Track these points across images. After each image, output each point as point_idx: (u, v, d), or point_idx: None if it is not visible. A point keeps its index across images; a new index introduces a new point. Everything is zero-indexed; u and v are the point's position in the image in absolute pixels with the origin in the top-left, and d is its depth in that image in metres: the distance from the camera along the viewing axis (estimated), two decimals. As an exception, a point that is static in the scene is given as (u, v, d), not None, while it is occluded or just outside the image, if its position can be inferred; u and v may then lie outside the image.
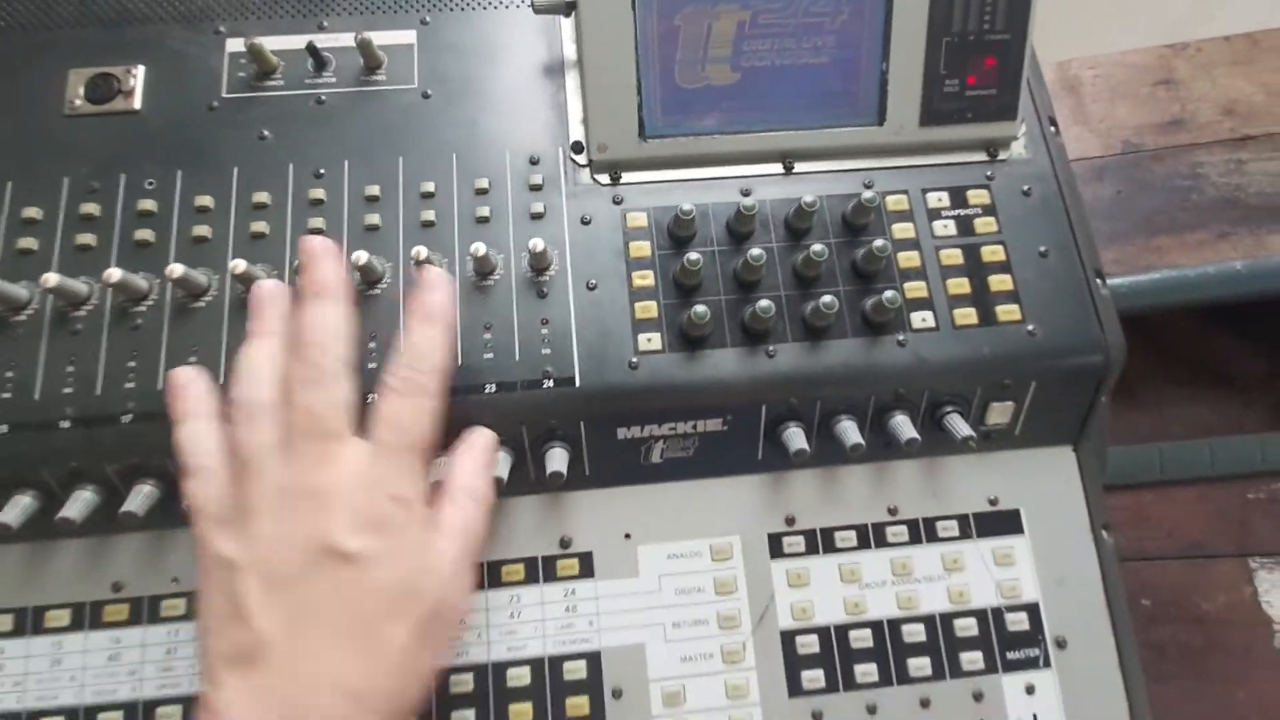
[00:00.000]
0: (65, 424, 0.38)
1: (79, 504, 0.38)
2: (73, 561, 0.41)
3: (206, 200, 0.41)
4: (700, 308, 0.38)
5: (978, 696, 0.41)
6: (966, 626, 0.42)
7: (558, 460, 0.39)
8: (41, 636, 0.40)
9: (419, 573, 0.34)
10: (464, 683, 0.40)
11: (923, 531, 0.43)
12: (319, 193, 0.42)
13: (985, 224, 0.43)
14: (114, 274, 0.38)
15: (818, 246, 0.39)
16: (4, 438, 0.38)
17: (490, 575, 0.42)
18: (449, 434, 0.38)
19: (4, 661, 0.40)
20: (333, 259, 0.37)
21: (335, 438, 0.34)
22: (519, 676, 0.41)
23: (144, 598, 0.41)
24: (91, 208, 0.41)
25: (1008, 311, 0.42)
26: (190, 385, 0.37)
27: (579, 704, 0.40)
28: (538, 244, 0.39)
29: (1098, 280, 0.43)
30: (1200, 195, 0.63)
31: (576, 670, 0.41)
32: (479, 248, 0.39)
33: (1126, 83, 0.64)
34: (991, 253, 0.43)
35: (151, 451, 0.38)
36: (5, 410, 0.38)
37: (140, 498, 0.38)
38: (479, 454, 0.38)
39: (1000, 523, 0.44)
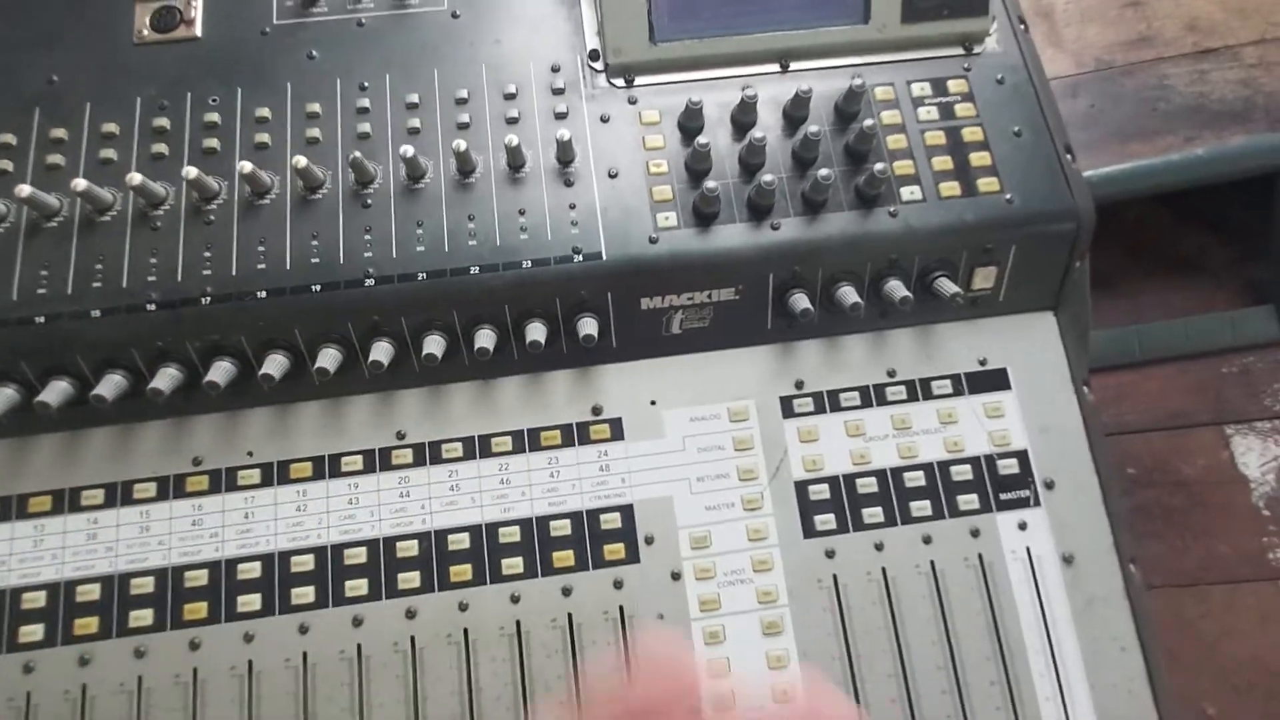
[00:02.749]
0: (151, 307, 0.43)
1: (166, 379, 0.43)
2: (157, 440, 0.46)
3: (265, 112, 0.46)
4: (711, 184, 0.43)
5: (975, 533, 0.46)
6: (962, 472, 0.47)
7: (589, 326, 0.44)
8: (130, 507, 0.45)
9: None
10: (511, 534, 0.45)
11: (919, 390, 0.48)
12: (364, 102, 0.47)
13: (964, 109, 0.48)
14: (191, 171, 0.43)
15: (814, 127, 0.44)
16: (97, 321, 0.42)
17: (530, 441, 0.46)
18: (492, 306, 0.43)
19: (97, 530, 0.45)
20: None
21: None
22: (560, 528, 0.45)
23: (221, 469, 0.45)
24: (163, 122, 0.46)
25: (988, 183, 0.46)
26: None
27: (615, 550, 0.45)
28: (565, 133, 0.44)
29: (1067, 155, 0.47)
30: (1167, 104, 0.67)
31: (612, 521, 0.45)
32: (512, 139, 0.44)
33: (1096, 6, 0.69)
34: (971, 133, 0.47)
35: (228, 329, 0.43)
36: (97, 297, 0.43)
37: (220, 371, 0.43)
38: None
39: (989, 380, 0.48)
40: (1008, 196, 0.46)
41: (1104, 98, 0.67)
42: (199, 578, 0.44)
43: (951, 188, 0.46)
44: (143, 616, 0.43)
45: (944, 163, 0.46)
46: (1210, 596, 0.55)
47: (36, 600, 0.43)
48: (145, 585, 0.43)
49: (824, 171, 0.43)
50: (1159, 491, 0.58)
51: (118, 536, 0.45)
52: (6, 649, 0.42)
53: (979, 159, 0.47)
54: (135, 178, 0.43)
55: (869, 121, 0.44)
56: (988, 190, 0.46)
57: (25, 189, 0.42)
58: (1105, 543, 0.46)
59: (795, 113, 0.46)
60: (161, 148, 0.45)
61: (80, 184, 0.42)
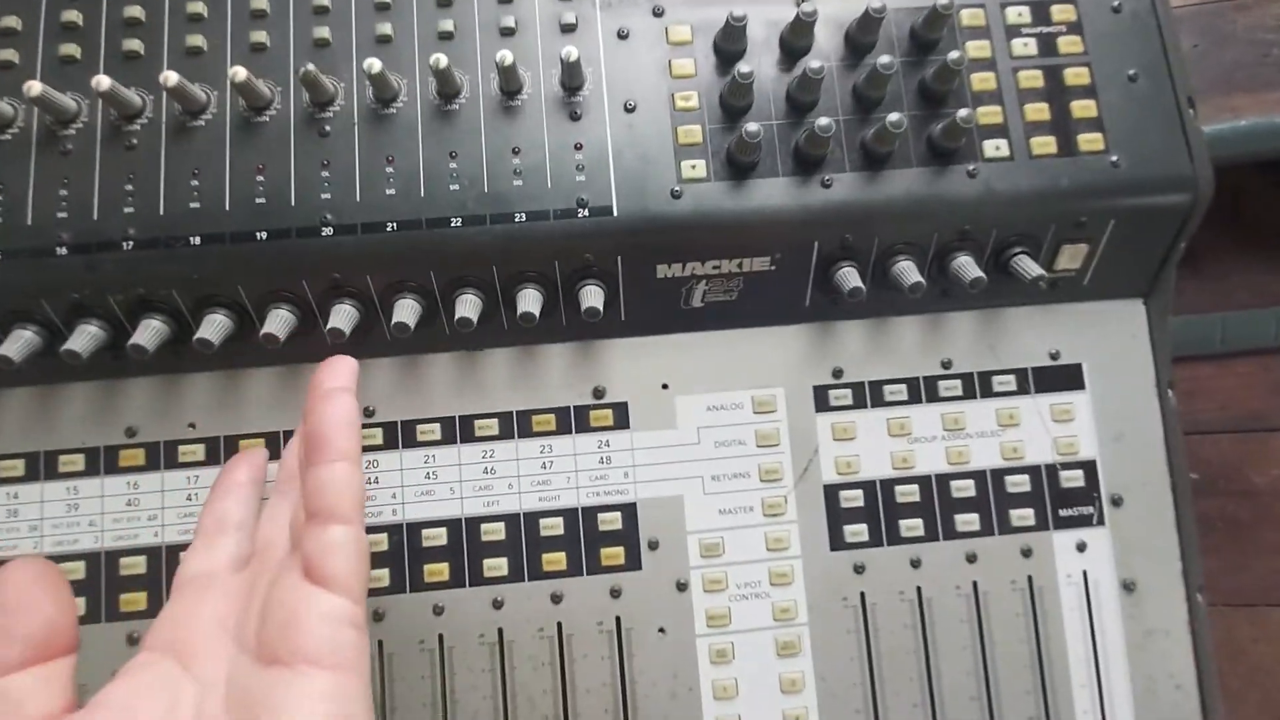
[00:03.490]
0: (62, 250, 0.35)
1: (83, 338, 0.36)
2: (83, 405, 0.39)
3: (198, 7, 0.37)
4: (752, 126, 0.34)
5: (1026, 553, 0.40)
6: (1018, 483, 0.40)
7: (593, 297, 0.36)
8: (56, 481, 0.39)
9: None
10: (495, 531, 0.39)
11: (977, 386, 0.41)
12: (322, 0, 0.37)
13: (1069, 43, 0.38)
14: (104, 81, 0.34)
15: (885, 59, 0.35)
16: (-4, 265, 0.35)
17: (520, 425, 0.40)
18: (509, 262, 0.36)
19: (18, 506, 0.39)
20: (347, 400, 0.29)
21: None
22: (552, 526, 0.39)
23: (160, 443, 0.39)
24: (73, 16, 0.37)
25: (1090, 140, 0.37)
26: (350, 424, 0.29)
27: (614, 554, 0.39)
28: (571, 52, 0.35)
29: (1190, 110, 0.39)
30: (1286, 49, 0.57)
31: (612, 521, 0.39)
32: (506, 55, 0.35)
33: (1215, -79, 0.57)
34: (1075, 75, 0.38)
35: (155, 282, 0.36)
36: (-5, 235, 0.35)
37: (149, 332, 0.36)
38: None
39: (1060, 378, 0.41)
40: (1113, 158, 0.37)
41: (1211, 37, 0.57)
42: (136, 564, 0.38)
43: (1046, 144, 0.37)
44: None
45: (1039, 111, 0.38)
46: (1269, 619, 0.50)
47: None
48: (76, 571, 0.38)
49: (894, 117, 0.35)
50: (1224, 501, 0.52)
51: (42, 514, 0.39)
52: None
53: (1082, 109, 0.38)
54: (35, 87, 0.34)
55: (954, 54, 0.35)
56: (1089, 149, 0.37)
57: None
58: (1173, 570, 0.40)
59: (862, 38, 0.37)
60: (72, 49, 0.36)
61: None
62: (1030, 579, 0.40)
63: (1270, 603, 0.51)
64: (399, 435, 0.40)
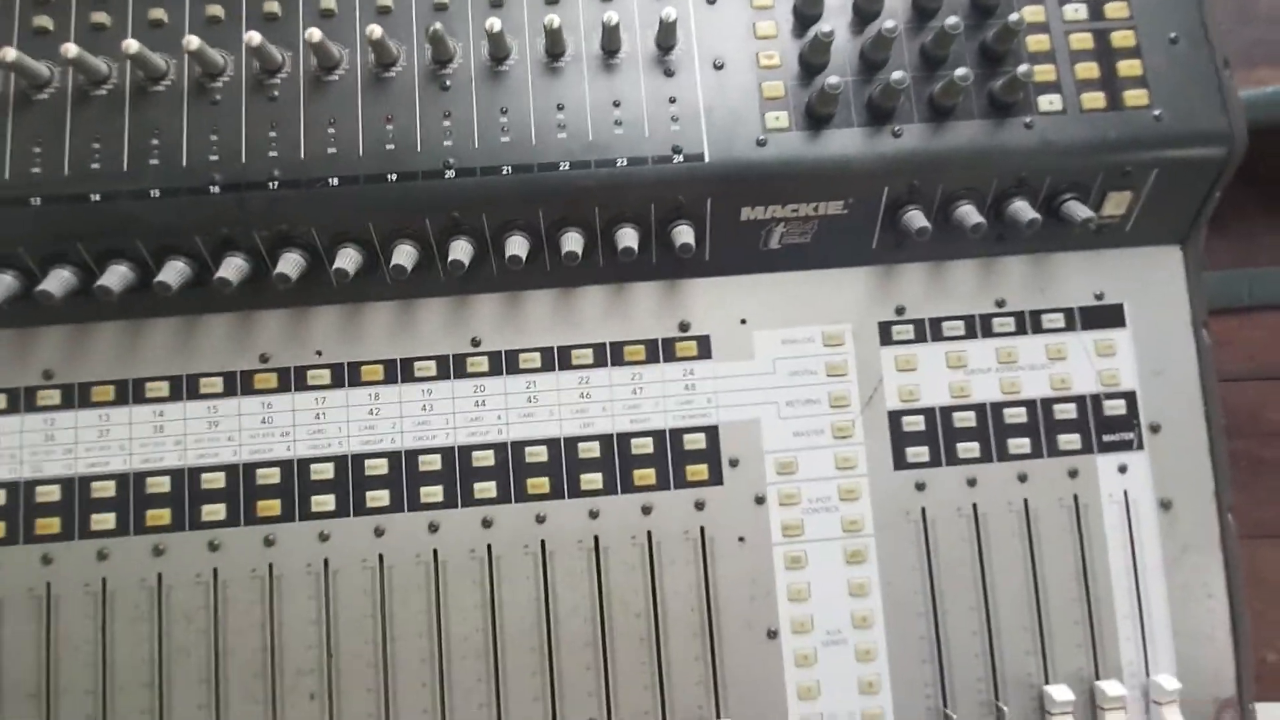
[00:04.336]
0: (214, 189, 0.39)
1: (232, 269, 0.40)
2: (222, 334, 0.44)
3: (332, -26, 0.41)
4: (833, 79, 0.38)
5: (1073, 473, 0.44)
6: (1066, 411, 0.44)
7: (685, 234, 0.40)
8: (197, 401, 0.43)
9: None
10: (591, 449, 0.43)
11: (1028, 323, 0.45)
12: (444, -33, 0.41)
13: (1116, 8, 0.42)
14: (254, 38, 0.38)
15: (951, 20, 0.39)
16: (155, 203, 0.39)
17: (613, 355, 0.44)
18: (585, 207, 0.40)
19: (164, 423, 0.43)
20: None
21: None
22: (642, 445, 0.43)
23: (290, 368, 0.43)
24: (218, -20, 0.41)
25: (1135, 96, 0.41)
26: None
27: (698, 471, 0.43)
28: (670, 12, 0.39)
29: (1226, 71, 0.42)
30: (1311, 23, 0.60)
31: (696, 441, 0.44)
32: (611, 16, 0.39)
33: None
34: (1122, 38, 0.42)
35: (296, 219, 0.40)
36: (156, 176, 0.39)
37: (290, 264, 0.40)
38: None
39: (1104, 316, 0.45)
40: (1156, 113, 0.41)
41: (1233, 14, 0.60)
42: (271, 475, 0.43)
43: (1095, 99, 0.41)
44: (215, 511, 0.42)
45: (1089, 70, 0.41)
46: (1290, 549, 0.54)
47: (106, 490, 0.42)
48: (216, 480, 0.42)
49: (961, 71, 0.39)
50: (1250, 442, 0.56)
51: (185, 430, 0.43)
52: (79, 535, 0.42)
53: (1128, 68, 0.42)
54: (193, 41, 0.38)
55: (1014, 16, 0.39)
56: (1135, 104, 0.41)
57: (72, 48, 0.38)
58: (1206, 491, 0.44)
59: (928, 2, 0.41)
60: (217, 10, 0.41)
61: (132, 45, 0.38)
62: (1076, 497, 0.44)
63: (1291, 534, 0.55)
64: (503, 363, 0.44)
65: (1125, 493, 0.44)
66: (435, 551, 0.42)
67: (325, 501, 0.42)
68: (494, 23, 0.39)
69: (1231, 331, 0.57)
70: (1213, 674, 0.43)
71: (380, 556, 0.42)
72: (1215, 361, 0.44)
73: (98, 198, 0.39)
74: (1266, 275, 0.57)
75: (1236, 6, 0.64)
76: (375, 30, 0.39)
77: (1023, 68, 0.39)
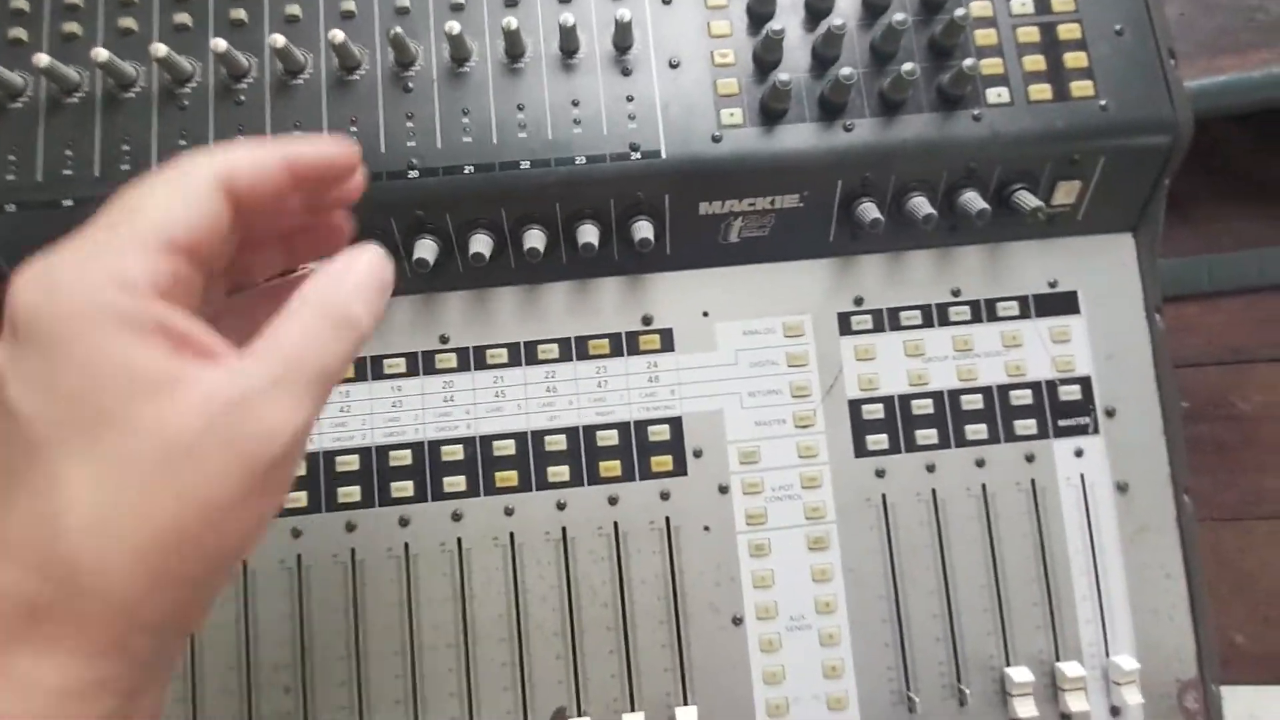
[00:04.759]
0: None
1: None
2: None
3: (295, -19, 0.42)
4: (784, 76, 0.39)
5: (1030, 458, 0.45)
6: (1022, 397, 0.45)
7: (644, 230, 0.41)
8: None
9: None
10: (558, 442, 0.44)
11: (984, 311, 0.46)
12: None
13: (1062, 2, 0.43)
14: (219, 45, 0.39)
15: (900, 15, 0.40)
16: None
17: (578, 349, 0.45)
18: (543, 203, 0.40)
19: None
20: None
21: None
22: (608, 438, 0.44)
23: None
24: (185, -11, 0.42)
25: (1081, 87, 0.42)
26: None
27: (663, 461, 0.44)
28: (625, 14, 0.40)
29: (1171, 60, 0.43)
30: (1266, 15, 0.62)
31: (660, 433, 0.44)
32: (568, 18, 0.40)
33: (1198, -104, 0.62)
34: (1068, 30, 0.43)
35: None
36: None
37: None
38: (361, 272, 0.25)
39: (1058, 303, 0.46)
40: (1102, 103, 0.42)
41: (1195, 4, 0.62)
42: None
43: (1042, 90, 0.42)
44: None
45: (1036, 62, 0.42)
46: (1253, 531, 0.55)
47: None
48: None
49: (908, 66, 0.40)
50: (1212, 426, 0.57)
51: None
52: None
53: (1074, 60, 0.43)
54: (160, 49, 0.39)
55: (960, 11, 0.40)
56: (1081, 95, 0.42)
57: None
58: (1162, 473, 0.45)
59: (877, 0, 0.42)
60: (184, 18, 0.42)
61: (101, 54, 0.39)
62: (1033, 481, 0.45)
63: (1255, 516, 0.56)
64: (471, 359, 0.45)
65: (1082, 476, 0.45)
66: (406, 545, 0.43)
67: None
68: (453, 26, 0.40)
69: (1192, 317, 0.58)
70: (1173, 653, 0.44)
71: (352, 551, 0.43)
72: (1177, 347, 0.45)
73: (70, 203, 0.40)
74: (1225, 261, 0.58)
75: (1196, -1, 0.65)
76: (338, 35, 0.40)
77: (968, 61, 0.40)
